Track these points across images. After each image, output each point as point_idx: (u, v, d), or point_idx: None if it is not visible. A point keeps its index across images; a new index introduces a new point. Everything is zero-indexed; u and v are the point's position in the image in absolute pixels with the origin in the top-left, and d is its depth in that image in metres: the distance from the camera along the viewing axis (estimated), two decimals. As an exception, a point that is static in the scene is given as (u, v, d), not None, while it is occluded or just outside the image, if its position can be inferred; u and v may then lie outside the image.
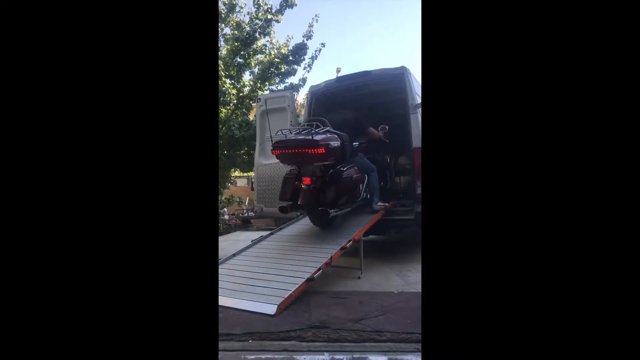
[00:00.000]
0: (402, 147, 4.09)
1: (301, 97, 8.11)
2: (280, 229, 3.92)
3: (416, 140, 3.76)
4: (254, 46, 6.81)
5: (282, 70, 6.97)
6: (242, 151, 6.77)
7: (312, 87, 4.86)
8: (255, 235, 4.08)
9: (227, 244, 5.18)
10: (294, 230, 3.83)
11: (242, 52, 6.70)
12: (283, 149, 3.14)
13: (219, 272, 2.70)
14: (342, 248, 3.02)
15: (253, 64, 7.01)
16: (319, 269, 2.69)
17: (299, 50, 6.90)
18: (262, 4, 6.81)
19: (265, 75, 6.86)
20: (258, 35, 6.77)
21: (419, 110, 3.76)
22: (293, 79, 7.21)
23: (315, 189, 3.14)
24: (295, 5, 6.80)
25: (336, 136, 3.28)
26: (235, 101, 6.92)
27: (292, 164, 3.36)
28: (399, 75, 4.04)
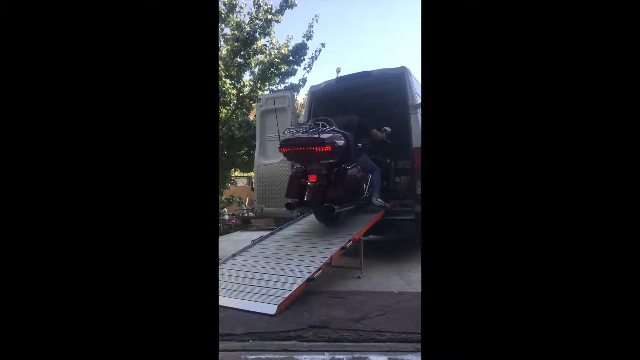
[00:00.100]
0: (402, 147, 4.09)
1: (301, 97, 8.12)
2: (280, 229, 3.92)
3: (416, 140, 3.76)
4: (254, 46, 6.81)
5: (282, 70, 6.97)
6: (242, 151, 6.77)
7: (312, 87, 4.86)
8: (255, 235, 4.09)
9: (227, 244, 5.18)
10: (294, 230, 3.83)
11: (242, 52, 6.69)
12: (290, 146, 3.24)
13: (219, 272, 2.70)
14: (342, 248, 3.02)
15: (253, 64, 7.01)
16: (319, 269, 2.69)
17: (299, 51, 6.90)
18: (262, 4, 6.81)
19: (265, 75, 6.86)
20: (258, 36, 6.77)
21: (419, 111, 3.76)
22: (293, 79, 7.23)
23: (321, 186, 3.23)
24: (295, 5, 6.80)
25: (341, 135, 3.37)
26: (235, 101, 6.92)
27: (298, 162, 3.45)
28: (399, 75, 4.04)
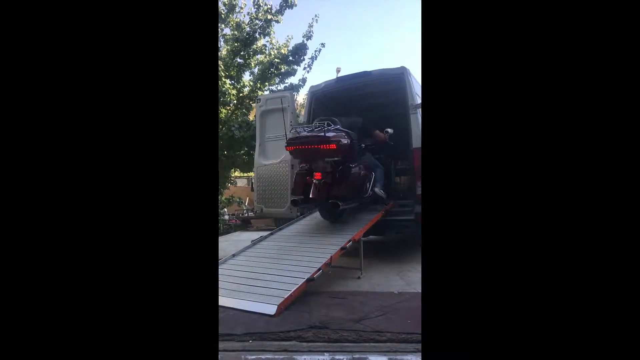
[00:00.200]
0: (402, 147, 4.10)
1: (301, 97, 8.12)
2: (280, 229, 3.92)
3: (416, 140, 3.76)
4: (254, 46, 6.81)
5: (282, 70, 6.97)
6: (242, 151, 6.77)
7: (312, 87, 4.86)
8: (255, 235, 4.08)
9: (227, 244, 5.18)
10: (293, 231, 3.83)
11: (242, 53, 6.70)
12: (297, 145, 3.37)
13: (219, 272, 2.70)
14: (342, 248, 3.02)
15: (253, 65, 7.01)
16: (319, 269, 2.69)
17: (299, 51, 6.90)
18: (262, 5, 6.81)
19: (265, 75, 6.86)
20: (258, 36, 6.77)
21: (419, 111, 3.76)
22: (293, 79, 7.23)
23: (325, 184, 3.35)
24: (295, 5, 6.80)
25: (346, 134, 3.46)
26: (235, 101, 6.91)
27: (304, 159, 3.55)
28: (399, 75, 4.05)
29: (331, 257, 2.86)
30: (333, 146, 3.24)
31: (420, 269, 1.39)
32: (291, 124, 3.75)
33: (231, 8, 6.88)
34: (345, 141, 3.39)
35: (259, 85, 6.91)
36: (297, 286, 2.48)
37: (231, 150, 6.68)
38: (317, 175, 3.35)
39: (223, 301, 2.32)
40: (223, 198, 7.42)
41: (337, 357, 1.76)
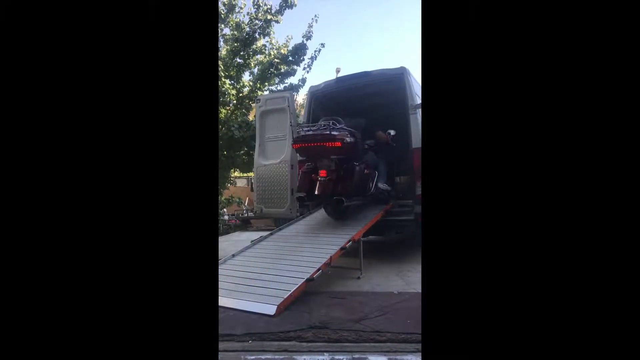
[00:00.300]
0: (402, 147, 4.10)
1: (301, 97, 8.12)
2: (280, 229, 3.93)
3: (416, 141, 3.77)
4: (254, 47, 6.80)
5: (282, 70, 6.96)
6: (242, 152, 6.76)
7: (311, 87, 4.86)
8: (255, 235, 4.08)
9: (227, 244, 5.18)
10: (293, 231, 3.84)
11: (241, 53, 6.68)
12: (303, 142, 3.50)
13: (219, 272, 2.70)
14: (342, 248, 3.02)
15: (253, 65, 6.99)
16: (319, 269, 2.69)
17: (299, 51, 6.89)
18: (261, 5, 6.80)
19: (265, 75, 6.85)
20: (258, 36, 6.75)
21: (419, 111, 3.77)
22: (292, 80, 7.22)
23: (330, 181, 3.47)
24: (295, 5, 6.79)
25: (351, 133, 3.58)
26: (234, 101, 6.91)
27: (310, 157, 3.67)
28: (399, 75, 4.05)
29: (331, 257, 2.86)
30: (338, 144, 3.36)
31: (420, 269, 1.39)
32: (291, 124, 3.75)
33: (231, 8, 6.87)
34: (349, 139, 3.50)
35: (258, 85, 6.90)
36: (297, 286, 2.48)
37: (231, 151, 6.67)
38: (322, 173, 3.46)
39: (223, 301, 2.32)
40: (223, 198, 7.41)
41: (337, 357, 1.76)
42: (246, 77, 7.10)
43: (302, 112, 5.11)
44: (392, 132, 4.05)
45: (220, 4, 6.68)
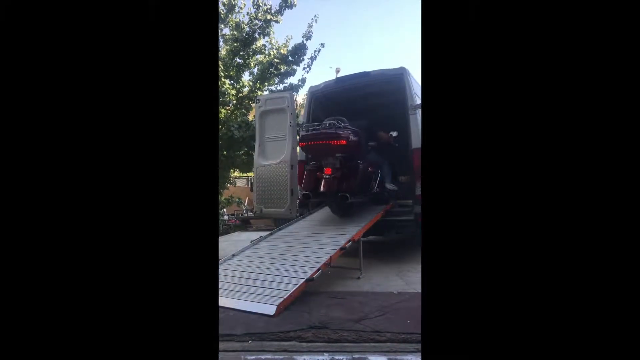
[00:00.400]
0: (402, 147, 4.11)
1: (300, 97, 8.11)
2: (280, 229, 3.93)
3: (416, 141, 3.77)
4: (254, 47, 6.80)
5: (282, 70, 6.96)
6: (242, 152, 6.76)
7: (311, 87, 4.86)
8: (255, 235, 4.08)
9: (227, 244, 5.18)
10: (293, 231, 3.84)
11: (241, 53, 6.68)
12: (309, 141, 3.64)
13: (219, 272, 2.70)
14: (342, 248, 3.02)
15: (252, 65, 6.99)
16: (319, 270, 2.69)
17: (299, 51, 6.89)
18: (261, 5, 6.80)
19: (265, 75, 6.85)
20: (257, 36, 6.75)
21: (419, 111, 3.77)
22: (292, 80, 7.22)
23: (335, 179, 3.56)
24: (295, 5, 6.79)
25: (355, 132, 3.67)
26: (234, 101, 6.90)
27: (315, 155, 3.76)
28: (398, 76, 4.05)
29: (331, 257, 2.86)
30: (343, 142, 3.48)
31: (420, 269, 1.39)
32: (291, 124, 3.76)
33: (231, 8, 6.87)
34: (354, 138, 3.60)
35: (258, 85, 6.90)
36: (297, 286, 2.48)
37: (231, 151, 6.66)
38: (327, 171, 3.56)
39: (223, 301, 2.32)
40: (222, 198, 7.41)
41: (336, 357, 1.76)
42: (246, 77, 7.10)
43: (302, 112, 5.10)
44: (395, 134, 4.09)
45: (220, 4, 6.68)
